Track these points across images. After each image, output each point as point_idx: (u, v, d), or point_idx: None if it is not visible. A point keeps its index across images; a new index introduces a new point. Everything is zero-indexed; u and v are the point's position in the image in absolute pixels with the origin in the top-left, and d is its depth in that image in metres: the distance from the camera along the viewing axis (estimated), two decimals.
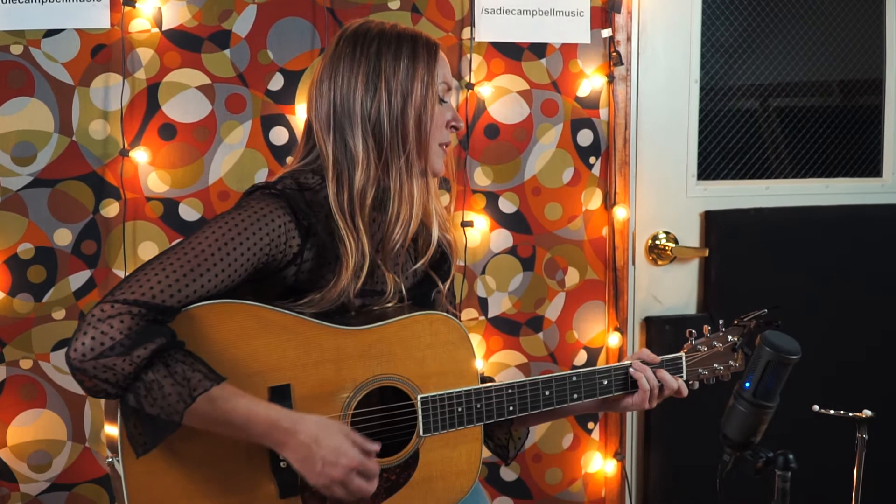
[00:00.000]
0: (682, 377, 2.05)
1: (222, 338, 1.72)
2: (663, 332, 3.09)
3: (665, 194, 3.13)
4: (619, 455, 3.11)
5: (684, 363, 2.07)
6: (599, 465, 3.12)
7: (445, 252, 2.04)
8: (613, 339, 3.06)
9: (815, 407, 2.46)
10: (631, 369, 2.01)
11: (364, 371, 1.84)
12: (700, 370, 2.08)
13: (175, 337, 1.65)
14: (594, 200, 3.04)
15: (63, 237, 2.59)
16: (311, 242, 1.81)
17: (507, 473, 3.03)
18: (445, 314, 1.93)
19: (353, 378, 1.83)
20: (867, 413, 2.42)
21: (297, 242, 1.80)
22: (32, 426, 2.61)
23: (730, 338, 2.09)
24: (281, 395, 1.76)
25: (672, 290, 3.16)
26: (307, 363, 1.79)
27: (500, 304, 2.97)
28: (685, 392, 2.05)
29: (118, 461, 1.69)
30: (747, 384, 1.80)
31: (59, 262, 2.59)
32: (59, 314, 2.61)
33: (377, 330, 1.85)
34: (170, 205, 2.67)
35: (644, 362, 2.02)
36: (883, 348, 3.30)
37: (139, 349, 1.60)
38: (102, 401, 1.76)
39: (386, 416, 1.87)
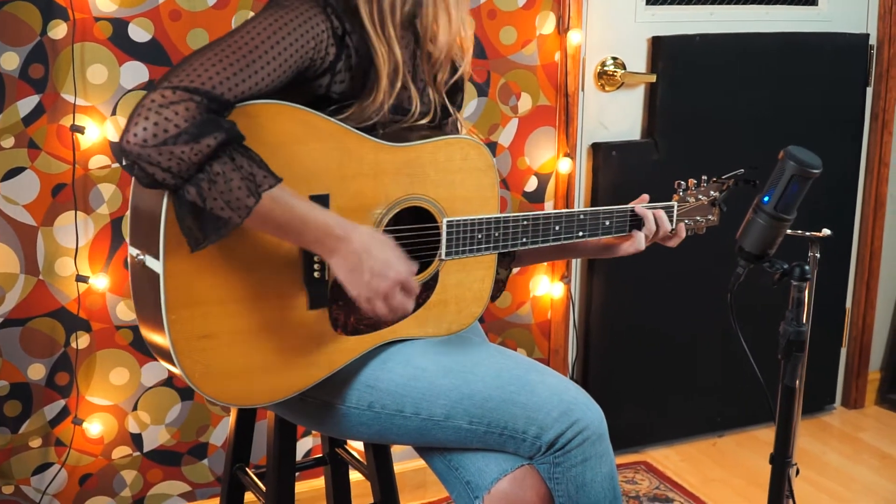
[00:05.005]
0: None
1: (270, 139, 1.68)
2: (609, 158, 3.13)
3: (615, 19, 3.12)
4: (566, 278, 3.17)
5: (675, 212, 2.13)
6: (546, 288, 3.18)
7: (459, 82, 2.04)
8: (564, 165, 3.08)
9: None
10: (638, 207, 2.07)
11: (398, 189, 1.83)
12: (686, 220, 2.15)
13: (237, 129, 1.59)
14: (548, 24, 3.00)
15: (10, 61, 2.44)
16: (346, 52, 1.78)
17: None
18: (478, 142, 1.93)
19: (387, 195, 1.83)
20: (826, 232, 2.51)
21: (334, 51, 1.76)
22: None
23: (711, 193, 2.17)
24: (319, 204, 1.73)
25: (618, 115, 3.19)
26: (346, 175, 1.77)
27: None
28: (682, 235, 2.14)
29: (154, 258, 1.65)
30: (766, 198, 1.85)
31: (7, 87, 2.45)
32: (7, 142, 2.47)
33: (414, 149, 1.85)
34: (119, 25, 2.53)
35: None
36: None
37: (207, 138, 1.54)
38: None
39: (412, 236, 1.87)
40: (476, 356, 1.88)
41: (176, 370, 1.69)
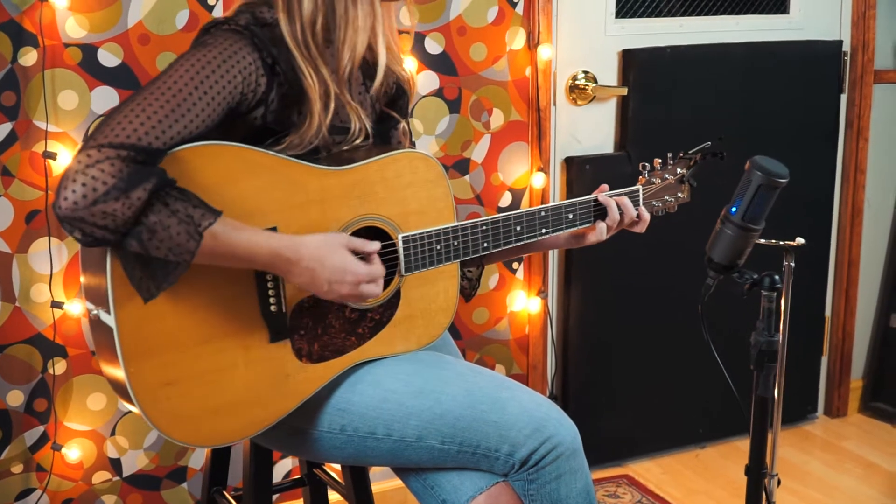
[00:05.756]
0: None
1: (209, 181, 1.67)
2: (583, 172, 3.13)
3: (585, 33, 3.12)
4: (543, 293, 3.17)
5: (641, 195, 2.11)
6: (524, 303, 3.18)
7: (402, 87, 2.03)
8: (538, 180, 3.08)
9: None
10: (601, 196, 2.05)
11: (348, 212, 1.82)
12: (654, 202, 2.14)
13: (166, 174, 1.59)
14: (518, 40, 3.01)
15: None
16: (277, 80, 1.77)
17: None
18: (425, 153, 1.93)
19: (338, 219, 1.81)
20: (800, 241, 2.50)
21: (265, 81, 1.76)
22: None
23: (678, 170, 2.15)
24: None
25: (590, 129, 3.19)
26: (293, 205, 1.76)
27: (427, 148, 2.94)
28: (646, 218, 2.11)
29: (106, 312, 1.64)
30: (734, 209, 1.85)
31: None
32: None
33: (360, 169, 1.83)
34: (88, 50, 2.53)
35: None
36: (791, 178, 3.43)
37: (137, 191, 1.54)
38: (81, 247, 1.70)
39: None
40: (447, 375, 1.88)
41: (144, 418, 1.68)
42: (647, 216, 2.11)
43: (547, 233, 2.01)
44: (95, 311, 1.69)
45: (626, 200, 2.06)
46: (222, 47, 1.71)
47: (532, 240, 2.01)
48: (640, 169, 2.13)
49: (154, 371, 1.66)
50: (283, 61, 1.77)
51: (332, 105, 1.81)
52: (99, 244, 1.57)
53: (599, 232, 2.06)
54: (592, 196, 2.05)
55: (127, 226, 1.56)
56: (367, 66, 1.96)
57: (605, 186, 2.08)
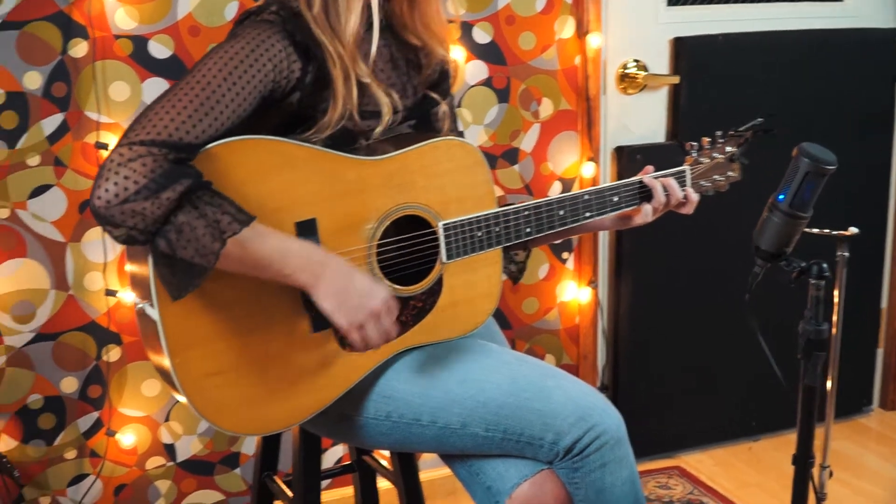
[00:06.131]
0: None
1: (244, 175, 1.67)
2: (634, 161, 3.11)
3: (635, 21, 3.11)
4: (593, 283, 3.16)
5: (688, 176, 2.08)
6: (574, 293, 3.17)
7: (445, 70, 2.03)
8: (588, 170, 3.07)
9: None
10: (646, 178, 2.02)
11: (387, 201, 1.82)
12: (702, 182, 2.10)
13: (201, 177, 1.60)
14: (567, 29, 3.00)
15: (33, 80, 2.48)
16: (311, 65, 1.77)
17: None
18: (462, 139, 1.92)
19: (377, 208, 1.82)
20: (853, 230, 2.46)
21: (299, 66, 1.76)
22: (14, 276, 2.56)
23: (728, 149, 2.10)
24: (307, 229, 1.74)
25: (642, 118, 3.17)
26: (331, 196, 1.76)
27: (476, 138, 2.94)
28: (694, 199, 2.07)
29: (151, 306, 1.66)
30: (781, 196, 1.83)
31: (31, 106, 2.49)
32: (33, 160, 2.51)
33: (398, 158, 1.83)
34: (139, 42, 2.56)
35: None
36: (843, 166, 3.38)
37: (167, 191, 1.55)
38: (123, 246, 1.71)
39: (409, 244, 1.87)
40: (491, 363, 1.87)
41: (191, 408, 1.70)
42: (694, 197, 2.07)
43: (591, 216, 1.98)
44: (141, 305, 1.71)
45: (671, 182, 2.03)
46: (251, 37, 1.72)
47: (576, 224, 1.99)
48: (688, 149, 2.09)
49: (199, 362, 1.68)
50: (313, 45, 1.77)
51: (353, 83, 1.80)
52: (132, 242, 1.58)
53: (644, 214, 2.03)
54: (637, 178, 2.02)
55: (157, 225, 1.57)
56: (414, 53, 1.97)
57: (650, 168, 2.06)
